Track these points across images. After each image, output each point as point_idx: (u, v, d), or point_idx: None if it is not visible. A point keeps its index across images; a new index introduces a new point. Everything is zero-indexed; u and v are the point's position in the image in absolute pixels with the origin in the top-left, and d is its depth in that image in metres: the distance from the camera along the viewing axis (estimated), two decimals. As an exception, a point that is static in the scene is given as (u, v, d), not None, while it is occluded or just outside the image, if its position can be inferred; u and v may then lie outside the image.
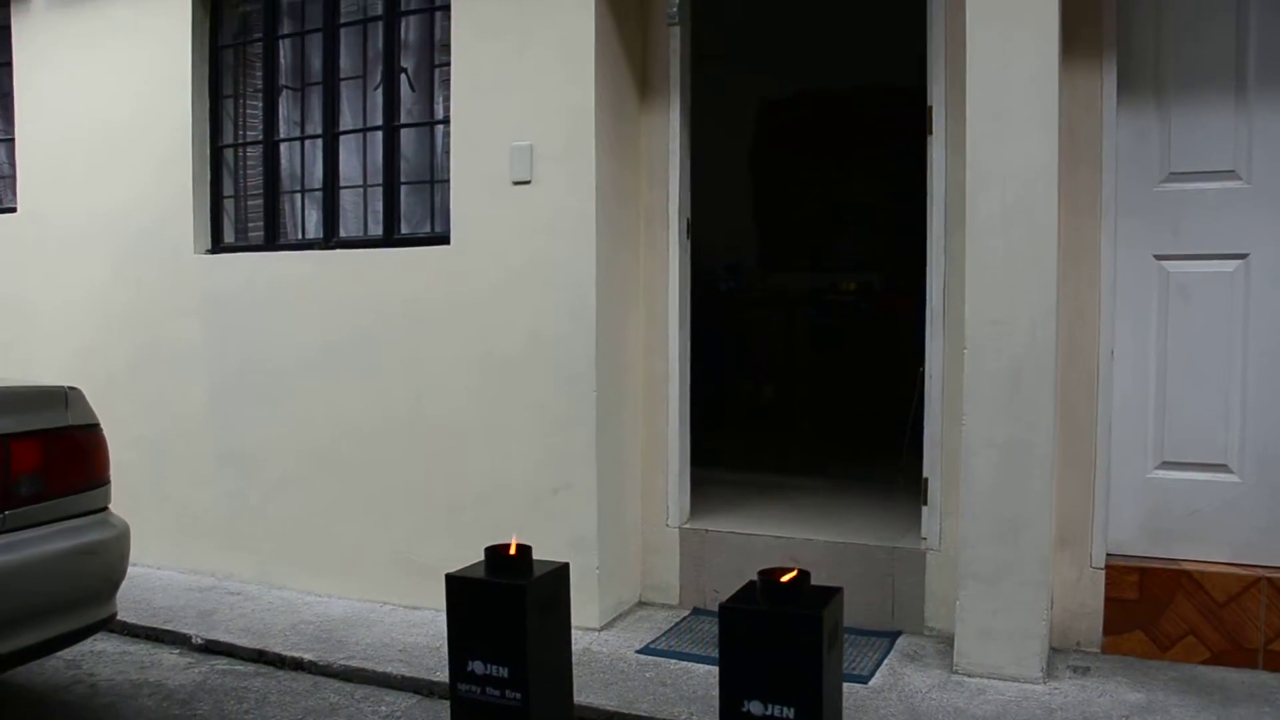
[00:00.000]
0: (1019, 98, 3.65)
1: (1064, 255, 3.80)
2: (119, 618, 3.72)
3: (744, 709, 2.73)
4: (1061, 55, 3.69)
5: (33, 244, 5.77)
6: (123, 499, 3.67)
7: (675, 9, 4.61)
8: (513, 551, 3.12)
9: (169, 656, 4.27)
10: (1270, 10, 3.79)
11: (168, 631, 4.43)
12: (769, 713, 2.70)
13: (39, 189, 5.76)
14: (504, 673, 2.96)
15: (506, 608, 2.97)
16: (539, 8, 4.41)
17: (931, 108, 4.19)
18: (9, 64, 5.84)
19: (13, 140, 5.88)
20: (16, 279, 5.84)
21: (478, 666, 2.99)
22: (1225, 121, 3.89)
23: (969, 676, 3.74)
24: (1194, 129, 3.92)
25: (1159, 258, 3.99)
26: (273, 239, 5.30)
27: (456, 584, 3.07)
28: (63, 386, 3.45)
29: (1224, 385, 3.92)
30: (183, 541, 5.32)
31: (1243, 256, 3.88)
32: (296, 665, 4.09)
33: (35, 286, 5.77)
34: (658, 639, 4.25)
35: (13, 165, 5.91)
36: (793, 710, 2.68)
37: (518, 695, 2.96)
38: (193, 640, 4.35)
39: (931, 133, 4.19)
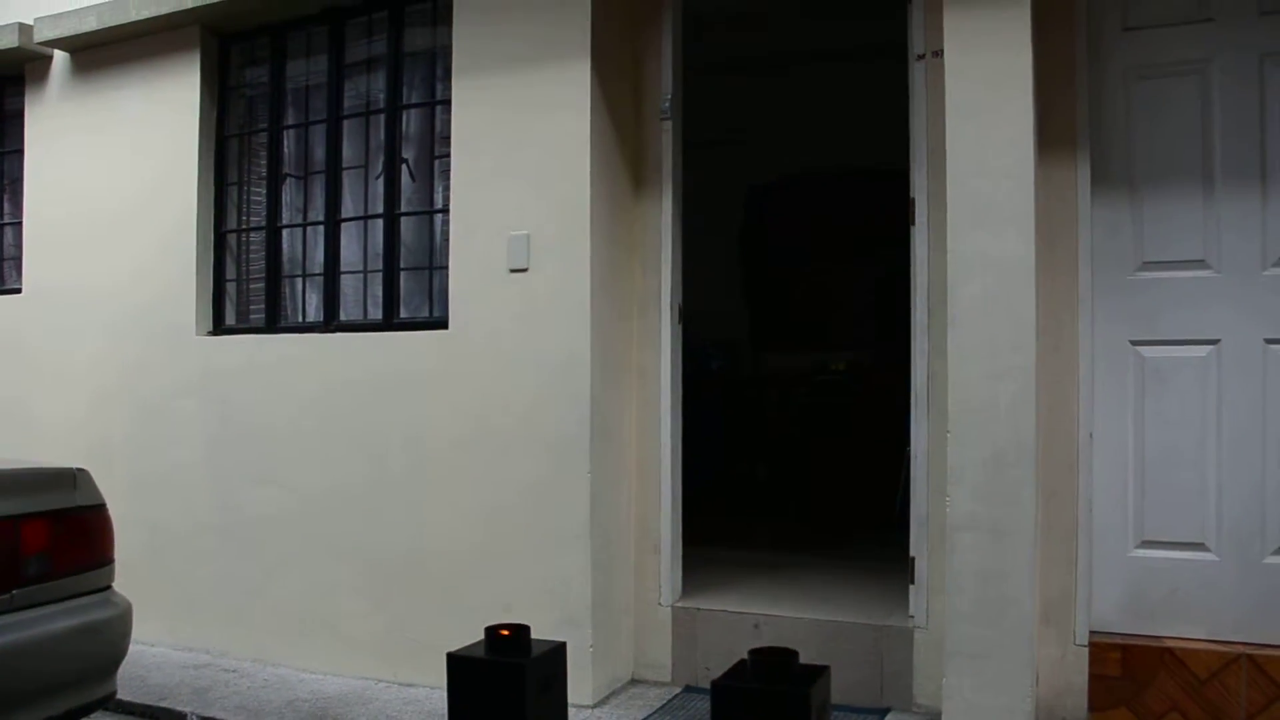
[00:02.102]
0: (997, 191, 3.80)
1: (1043, 341, 3.93)
2: (114, 695, 3.77)
3: (736, 784, 2.80)
4: (1037, 149, 3.86)
5: (37, 325, 5.89)
6: (119, 576, 3.72)
7: (667, 105, 4.81)
8: (511, 631, 3.20)
9: (165, 735, 4.31)
10: (1234, 105, 3.98)
11: (163, 709, 4.46)
12: (761, 788, 2.77)
13: (44, 271, 5.90)
14: (502, 749, 3.03)
15: (506, 686, 3.05)
16: (536, 104, 4.60)
17: (914, 199, 4.36)
18: (20, 150, 6.02)
19: (20, 223, 6.04)
20: (20, 359, 5.95)
21: (476, 743, 3.07)
22: (1194, 212, 4.05)
23: (957, 754, 3.80)
24: (1165, 220, 4.09)
25: (1135, 343, 4.12)
26: (274, 321, 5.43)
27: (457, 663, 3.15)
28: (71, 468, 3.54)
29: (1200, 466, 4.04)
30: (178, 619, 5.36)
31: (1214, 342, 4.02)
32: (293, 744, 4.13)
33: (38, 367, 5.88)
34: (650, 716, 4.30)
35: (19, 247, 6.06)
36: (784, 785, 2.75)
37: (515, 771, 3.03)
38: (188, 718, 4.38)
39: (914, 222, 4.35)
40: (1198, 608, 4.02)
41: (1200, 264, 4.04)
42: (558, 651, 3.26)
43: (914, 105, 4.38)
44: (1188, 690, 3.91)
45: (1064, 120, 4.11)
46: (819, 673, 2.92)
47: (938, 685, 3.97)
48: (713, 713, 2.90)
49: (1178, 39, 4.06)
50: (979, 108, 3.84)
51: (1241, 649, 3.88)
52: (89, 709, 3.48)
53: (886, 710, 4.30)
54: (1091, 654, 4.05)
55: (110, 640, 3.53)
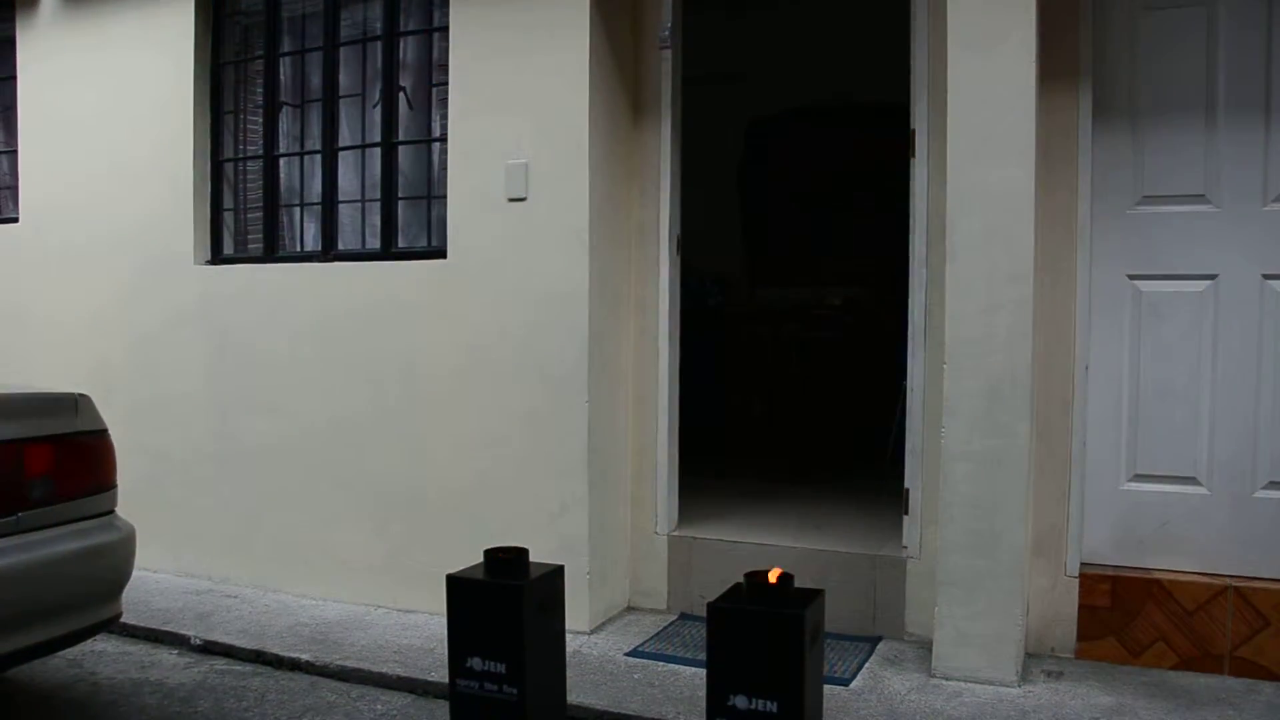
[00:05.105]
0: (998, 122, 3.79)
1: (1041, 274, 3.94)
2: (119, 619, 3.83)
3: (730, 703, 2.87)
4: (1039, 81, 3.84)
5: (34, 254, 5.88)
6: (121, 505, 3.75)
7: (666, 33, 4.76)
8: (510, 554, 3.25)
9: (168, 656, 4.37)
10: (1238, 40, 3.96)
11: (167, 632, 4.53)
12: (753, 707, 2.84)
13: (41, 200, 5.86)
14: (501, 669, 3.09)
15: (505, 607, 3.10)
16: (535, 32, 4.55)
17: (914, 130, 4.33)
18: (13, 77, 5.95)
19: (15, 152, 5.99)
20: (17, 288, 5.94)
21: (476, 663, 3.12)
22: (1195, 147, 4.04)
23: (946, 680, 3.87)
24: (1166, 154, 4.08)
25: (1132, 277, 4.14)
26: (272, 251, 5.42)
27: (457, 584, 3.19)
28: (73, 393, 3.56)
29: (1193, 400, 4.07)
30: (180, 546, 5.42)
31: (1212, 277, 4.03)
32: (294, 665, 4.19)
33: (36, 296, 5.88)
34: (646, 642, 4.37)
35: (15, 176, 6.02)
36: (775, 704, 2.81)
37: (514, 690, 3.09)
38: (191, 641, 4.45)
39: (914, 155, 4.33)
40: (1187, 541, 4.08)
41: (1200, 199, 4.04)
42: (556, 574, 3.30)
43: (915, 35, 4.34)
44: (1175, 621, 3.97)
45: (1067, 52, 4.08)
46: (814, 596, 2.96)
47: (929, 614, 4.03)
48: (708, 633, 2.94)
49: (1185, -30, 4.03)
50: (982, 38, 3.82)
51: (1229, 581, 3.95)
52: (95, 629, 3.54)
53: (878, 639, 4.36)
54: (1081, 585, 4.11)
55: (114, 564, 3.58)
